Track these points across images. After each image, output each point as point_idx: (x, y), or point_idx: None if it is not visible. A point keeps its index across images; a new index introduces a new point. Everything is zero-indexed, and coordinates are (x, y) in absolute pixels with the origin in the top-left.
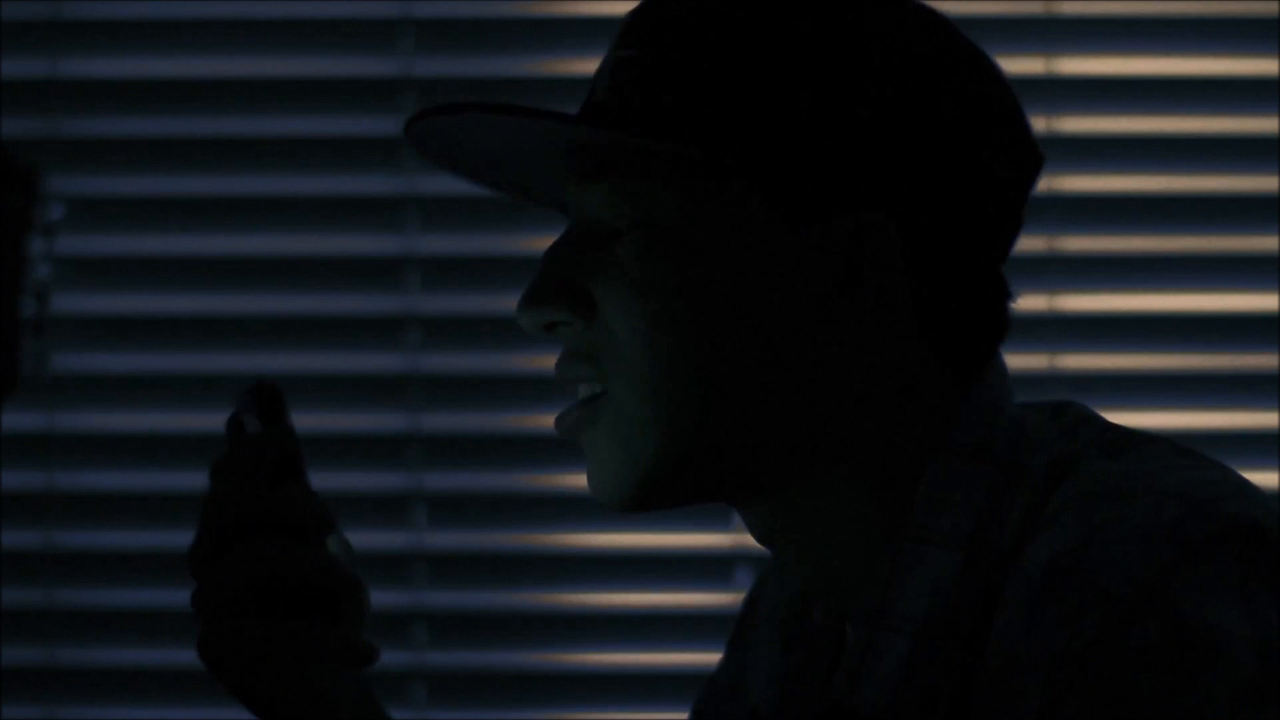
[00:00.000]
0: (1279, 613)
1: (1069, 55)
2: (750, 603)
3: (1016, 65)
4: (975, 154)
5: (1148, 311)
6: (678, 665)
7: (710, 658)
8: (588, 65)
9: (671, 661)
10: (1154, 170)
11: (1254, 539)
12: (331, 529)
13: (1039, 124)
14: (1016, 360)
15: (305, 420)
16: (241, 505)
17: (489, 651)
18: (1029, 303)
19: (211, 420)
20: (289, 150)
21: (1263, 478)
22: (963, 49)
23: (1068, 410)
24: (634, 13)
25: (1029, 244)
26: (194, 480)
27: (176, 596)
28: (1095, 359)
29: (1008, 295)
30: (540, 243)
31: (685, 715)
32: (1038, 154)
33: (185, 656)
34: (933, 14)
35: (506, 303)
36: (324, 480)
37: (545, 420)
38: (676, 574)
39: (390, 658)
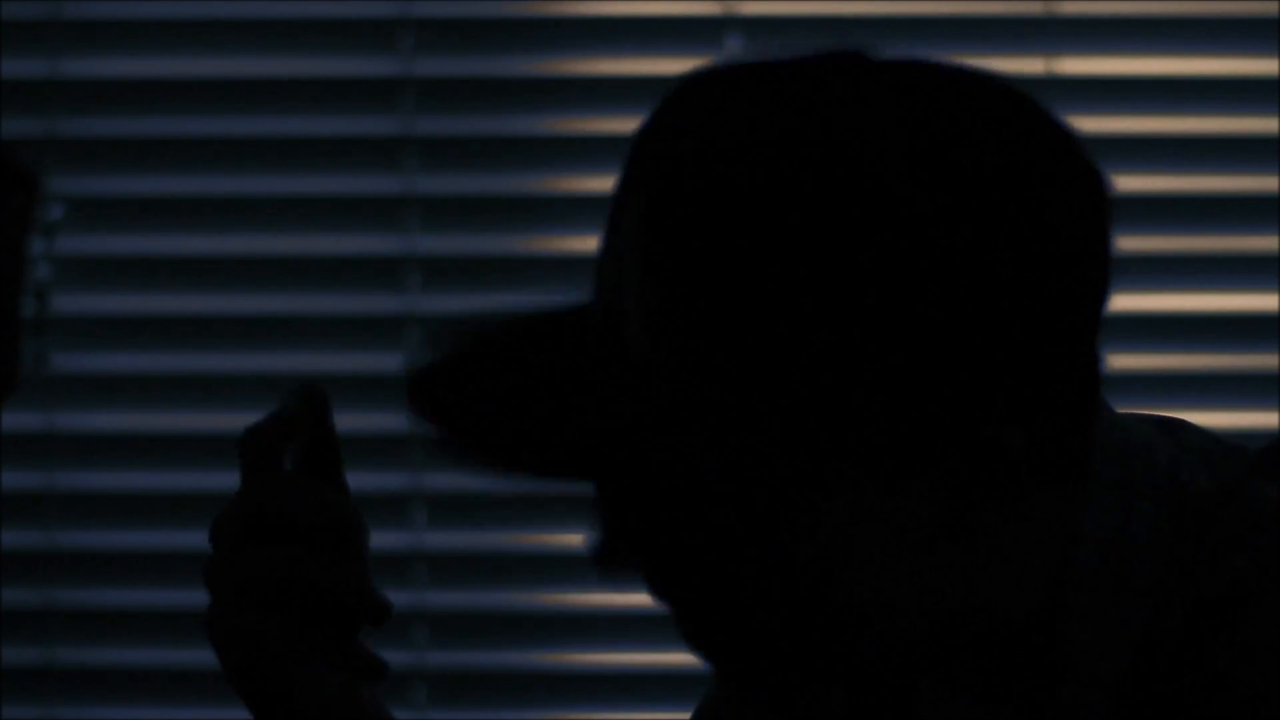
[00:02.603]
0: None
1: (1069, 55)
2: None
3: (1016, 65)
4: (1081, 310)
5: (1148, 311)
6: (677, 665)
7: None
8: (588, 65)
9: (671, 661)
10: (1154, 170)
11: None
12: (359, 541)
13: None
14: None
15: None
16: (275, 496)
17: (489, 651)
18: None
19: (211, 420)
20: (289, 150)
21: None
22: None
23: (1180, 428)
24: (654, 232)
25: None
26: (194, 480)
27: (177, 597)
28: None
29: (1099, 375)
30: (540, 243)
31: (685, 716)
32: (1104, 194)
33: (186, 656)
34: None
35: (507, 303)
36: None
37: None
38: None
39: (390, 658)
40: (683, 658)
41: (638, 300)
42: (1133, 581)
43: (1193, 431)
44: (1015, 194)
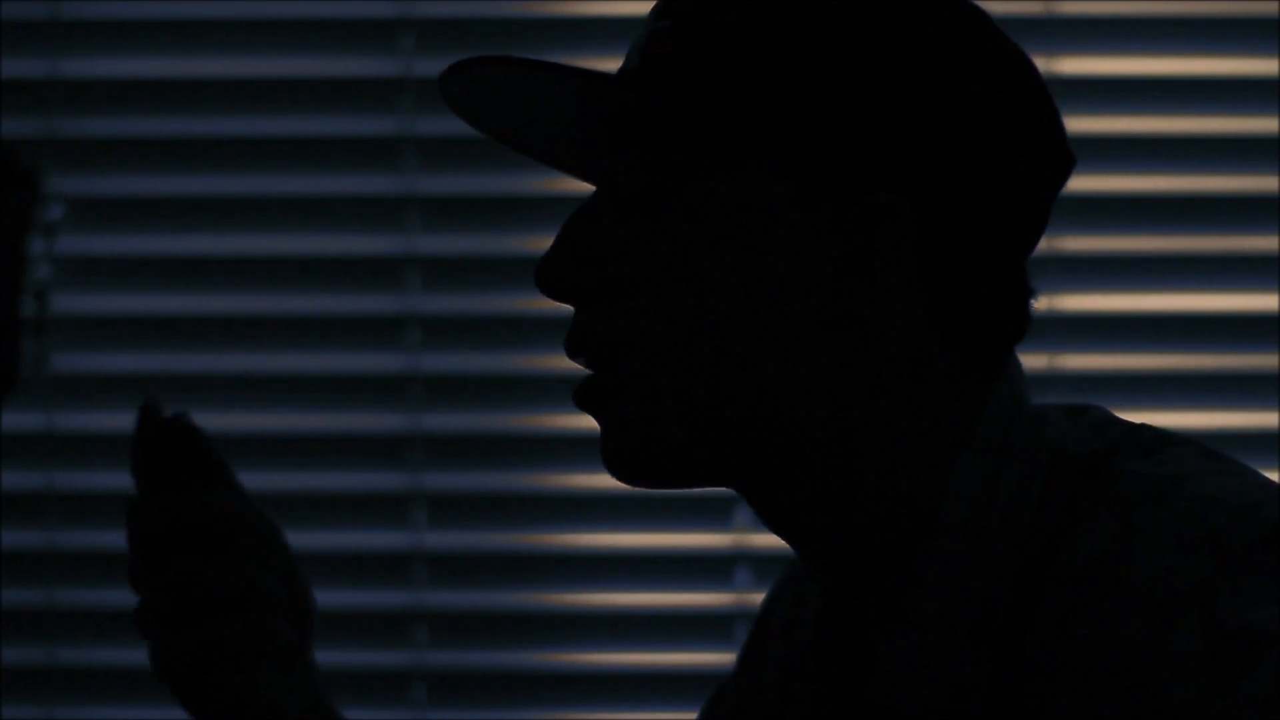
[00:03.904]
0: None
1: (1069, 55)
2: (764, 615)
3: None
4: (1002, 145)
5: (1148, 311)
6: (678, 665)
7: (710, 658)
8: (587, 65)
9: (671, 661)
10: (1154, 170)
11: None
12: (252, 532)
13: None
14: None
15: (305, 420)
16: (155, 516)
17: (489, 651)
18: None
19: (211, 420)
20: (289, 150)
21: None
22: (996, 41)
23: (1089, 411)
24: None
25: None
26: None
27: None
28: (1095, 359)
29: (1029, 293)
30: (540, 243)
31: (685, 716)
32: (1068, 153)
33: None
34: (970, 7)
35: (506, 303)
36: (324, 480)
37: (545, 420)
38: (676, 574)
39: (390, 658)
40: (682, 657)
41: (643, 37)
42: (993, 537)
43: (1098, 413)
44: (974, 39)
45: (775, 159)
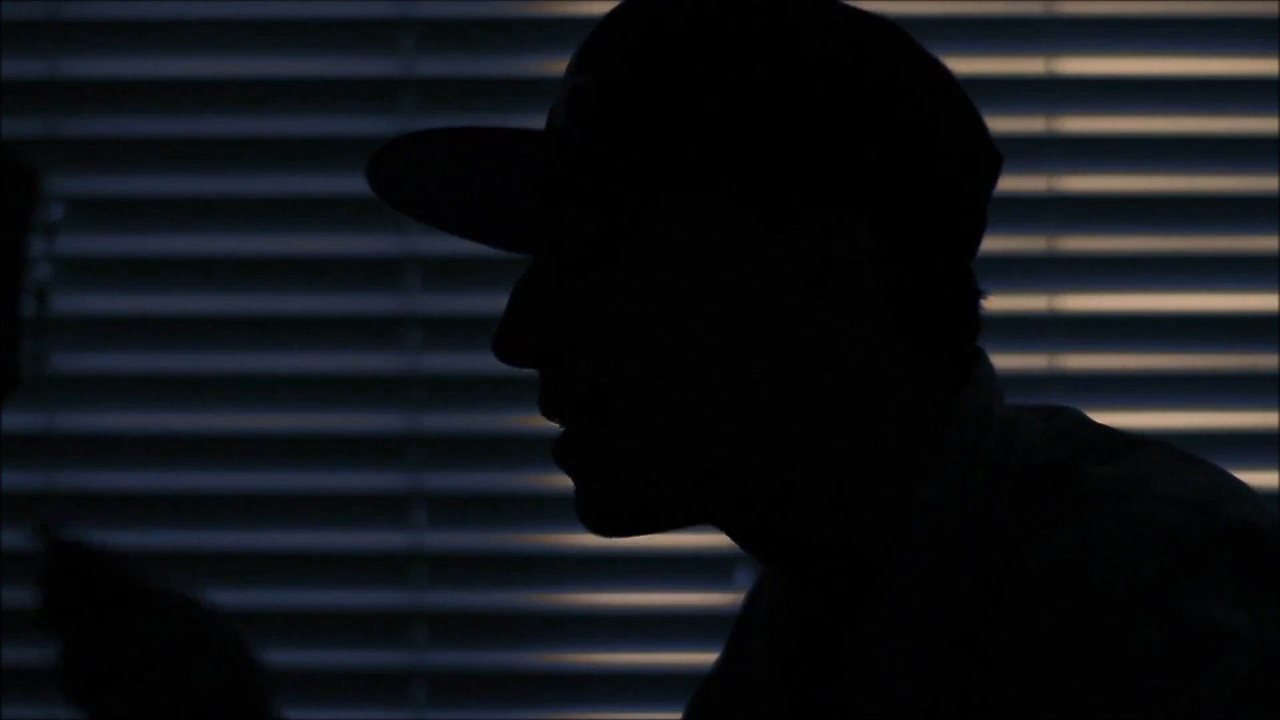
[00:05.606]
0: (1276, 613)
1: (1069, 55)
2: (748, 608)
3: (1016, 65)
4: (938, 152)
5: (1148, 311)
6: (678, 665)
7: (710, 658)
8: None
9: (671, 661)
10: (1154, 170)
11: (1251, 542)
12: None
13: (1039, 124)
14: (1016, 360)
15: (306, 420)
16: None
17: (489, 651)
18: (1029, 303)
19: (211, 420)
20: (289, 150)
21: (1263, 478)
22: (916, 55)
23: (1061, 414)
24: (584, 43)
25: (1029, 244)
26: (194, 480)
27: None
28: (1095, 359)
29: (978, 293)
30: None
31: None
32: (996, 154)
33: None
34: (886, 22)
35: (506, 303)
36: (324, 480)
37: (545, 420)
38: (676, 574)
39: (390, 658)
40: (682, 657)
41: (564, 94)
42: (961, 546)
43: (1070, 416)
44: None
45: (720, 194)
